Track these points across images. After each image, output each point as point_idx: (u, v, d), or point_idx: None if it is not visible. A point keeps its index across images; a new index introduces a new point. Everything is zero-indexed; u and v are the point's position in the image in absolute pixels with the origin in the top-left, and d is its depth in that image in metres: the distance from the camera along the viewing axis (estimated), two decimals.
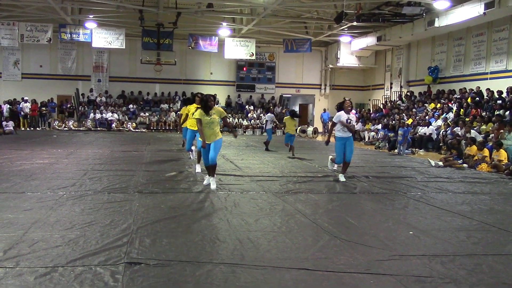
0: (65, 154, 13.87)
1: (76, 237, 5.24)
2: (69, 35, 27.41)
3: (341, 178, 10.06)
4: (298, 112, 17.74)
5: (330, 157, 11.01)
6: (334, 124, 10.20)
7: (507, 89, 19.18)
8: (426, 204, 7.80)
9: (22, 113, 27.73)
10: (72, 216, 6.19)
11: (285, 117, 16.76)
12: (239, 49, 29.60)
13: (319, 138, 27.49)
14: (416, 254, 5.02)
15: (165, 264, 4.49)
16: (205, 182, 8.87)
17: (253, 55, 29.86)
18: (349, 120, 10.03)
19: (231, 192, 8.24)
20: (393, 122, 21.56)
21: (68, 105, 29.74)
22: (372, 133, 23.05)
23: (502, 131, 14.75)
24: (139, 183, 8.93)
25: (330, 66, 33.23)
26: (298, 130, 29.31)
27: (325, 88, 34.38)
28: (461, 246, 5.38)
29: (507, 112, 17.30)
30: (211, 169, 8.60)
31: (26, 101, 28.05)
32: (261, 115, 30.33)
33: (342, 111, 10.04)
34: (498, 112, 17.68)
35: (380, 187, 9.29)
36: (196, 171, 10.59)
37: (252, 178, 10.05)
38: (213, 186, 8.51)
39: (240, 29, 29.01)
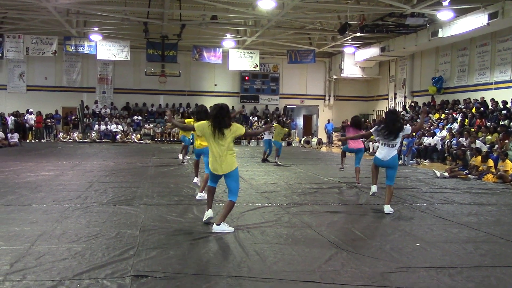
0: (70, 166, 13.90)
1: (82, 249, 5.24)
2: (74, 48, 27.59)
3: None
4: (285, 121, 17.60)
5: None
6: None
7: (511, 99, 19.16)
8: (433, 215, 7.77)
9: (27, 125, 27.84)
10: (78, 229, 6.19)
11: (276, 124, 16.66)
12: (243, 61, 29.72)
13: (324, 149, 27.48)
14: (423, 266, 5.00)
15: (172, 277, 4.48)
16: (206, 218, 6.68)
17: (257, 66, 29.97)
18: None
19: (236, 204, 8.20)
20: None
21: (73, 117, 29.86)
22: (377, 144, 22.97)
23: (507, 141, 14.71)
24: (144, 195, 8.93)
25: (334, 76, 33.30)
26: (302, 141, 29.46)
27: (329, 99, 34.43)
28: (468, 258, 5.35)
29: None
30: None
31: (31, 113, 28.17)
32: (262, 126, 30.36)
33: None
34: (503, 123, 17.64)
35: None
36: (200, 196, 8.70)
37: (257, 190, 10.04)
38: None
39: (244, 41, 29.14)
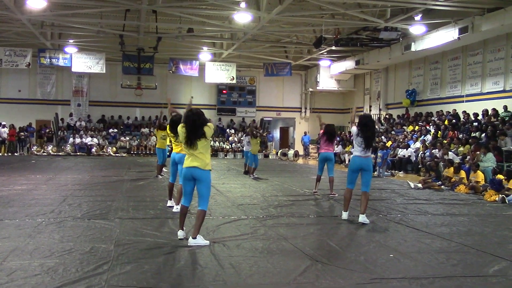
0: (43, 180, 13.70)
1: (55, 265, 5.17)
2: (48, 60, 27.28)
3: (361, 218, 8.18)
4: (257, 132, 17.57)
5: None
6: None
7: (482, 111, 19.63)
8: (406, 226, 7.88)
9: (0, 138, 27.34)
10: (51, 244, 6.11)
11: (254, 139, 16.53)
12: (219, 73, 29.79)
13: (300, 161, 27.62)
14: (396, 277, 5.07)
15: None
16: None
17: (233, 79, 30.05)
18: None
19: (212, 217, 8.21)
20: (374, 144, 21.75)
21: (47, 130, 29.43)
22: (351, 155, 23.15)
23: (478, 153, 15.02)
24: (119, 209, 8.86)
25: (310, 89, 33.61)
26: (279, 153, 29.58)
27: (305, 111, 34.68)
28: (440, 268, 5.44)
29: (483, 134, 17.65)
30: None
31: (4, 126, 27.67)
32: (242, 138, 30.38)
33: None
34: (474, 134, 18.03)
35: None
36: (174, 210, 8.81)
37: (233, 202, 10.05)
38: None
39: (220, 53, 29.24)
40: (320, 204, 10.39)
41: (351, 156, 8.62)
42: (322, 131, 11.94)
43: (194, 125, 6.23)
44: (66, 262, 5.30)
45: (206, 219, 7.67)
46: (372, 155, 18.60)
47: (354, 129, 8.51)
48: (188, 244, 6.15)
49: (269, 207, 9.52)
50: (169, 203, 9.35)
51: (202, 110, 6.68)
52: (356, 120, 9.43)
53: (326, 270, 5.24)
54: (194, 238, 6.20)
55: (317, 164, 12.36)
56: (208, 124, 6.35)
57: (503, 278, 5.13)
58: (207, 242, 6.24)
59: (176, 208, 8.51)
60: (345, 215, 8.34)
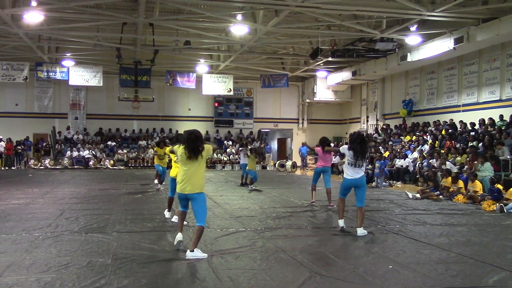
0: (41, 194, 13.64)
1: (52, 280, 5.13)
2: (45, 73, 27.31)
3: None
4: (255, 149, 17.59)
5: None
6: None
7: (479, 121, 19.67)
8: (405, 237, 7.86)
9: None
10: (48, 258, 6.07)
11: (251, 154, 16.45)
12: (216, 85, 29.84)
13: (298, 172, 27.60)
14: None
15: None
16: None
17: (230, 90, 30.10)
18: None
19: (210, 229, 8.17)
20: (370, 155, 21.77)
21: (44, 144, 29.37)
22: None
23: (475, 162, 15.03)
24: (117, 222, 8.81)
25: (307, 100, 33.69)
26: (277, 165, 29.55)
27: (302, 122, 34.75)
28: (440, 279, 5.41)
29: (480, 144, 17.67)
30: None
31: (1, 140, 27.62)
32: (240, 149, 30.35)
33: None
34: (471, 144, 18.05)
35: None
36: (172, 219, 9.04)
37: (231, 215, 10.01)
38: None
39: (217, 66, 29.32)
40: (318, 215, 10.36)
41: (344, 174, 8.60)
42: (318, 148, 11.90)
43: (194, 146, 6.32)
44: (63, 277, 5.26)
45: (204, 231, 7.64)
46: (369, 166, 18.64)
47: (344, 147, 8.59)
48: (186, 257, 6.12)
49: (267, 219, 9.49)
50: (167, 214, 9.36)
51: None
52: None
53: (325, 282, 5.21)
54: (192, 251, 6.17)
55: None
56: (207, 146, 6.46)
57: None
58: (205, 255, 6.22)
59: (176, 218, 8.52)
60: (341, 222, 8.36)
